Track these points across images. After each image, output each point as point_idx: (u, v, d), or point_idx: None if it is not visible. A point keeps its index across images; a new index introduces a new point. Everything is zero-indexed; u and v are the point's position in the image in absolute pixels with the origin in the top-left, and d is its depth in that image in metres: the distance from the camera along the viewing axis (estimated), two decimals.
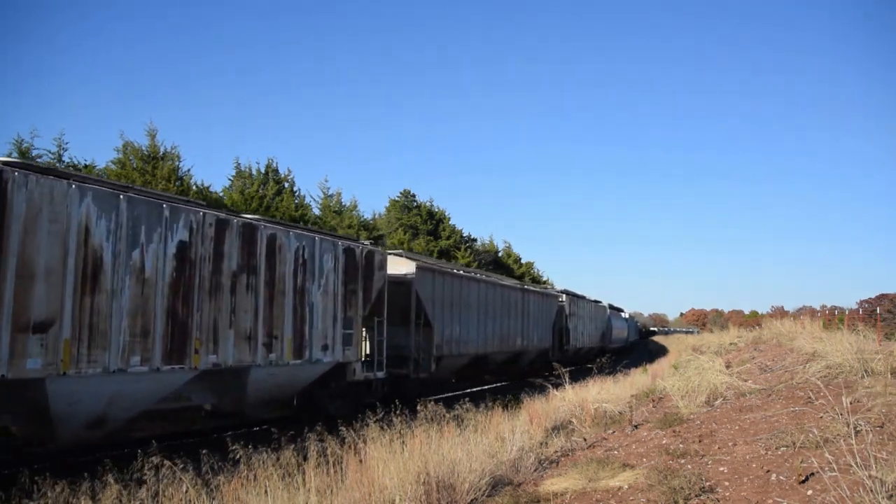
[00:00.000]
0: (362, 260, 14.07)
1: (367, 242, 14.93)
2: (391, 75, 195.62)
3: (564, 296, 31.75)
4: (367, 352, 15.56)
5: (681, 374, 14.09)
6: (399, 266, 16.78)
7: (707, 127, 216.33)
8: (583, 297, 36.72)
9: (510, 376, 25.51)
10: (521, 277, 42.25)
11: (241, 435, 9.52)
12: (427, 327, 17.18)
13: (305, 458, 6.53)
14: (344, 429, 7.81)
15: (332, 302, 12.99)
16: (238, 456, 6.38)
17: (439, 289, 18.10)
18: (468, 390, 20.33)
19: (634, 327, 68.63)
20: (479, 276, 23.31)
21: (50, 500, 5.45)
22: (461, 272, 21.08)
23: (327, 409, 13.41)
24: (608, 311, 44.14)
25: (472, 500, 6.12)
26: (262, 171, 28.54)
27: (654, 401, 13.23)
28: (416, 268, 16.82)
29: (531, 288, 28.75)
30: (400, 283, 16.40)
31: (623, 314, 57.85)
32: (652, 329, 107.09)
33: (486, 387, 21.70)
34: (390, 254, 17.03)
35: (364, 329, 14.79)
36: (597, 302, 41.09)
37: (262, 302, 11.19)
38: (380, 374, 14.76)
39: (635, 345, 63.20)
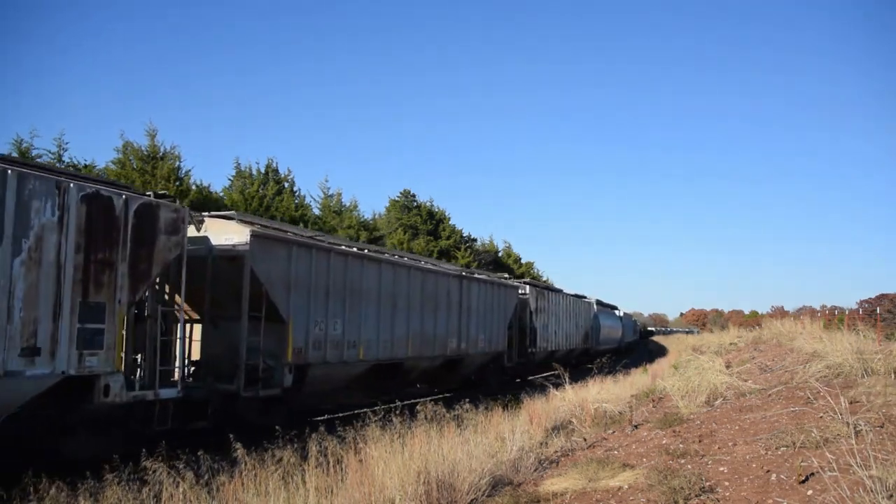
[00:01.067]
0: (127, 217, 9.24)
1: (149, 194, 10.07)
2: (391, 75, 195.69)
3: (528, 287, 26.27)
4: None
5: (681, 374, 14.09)
6: (228, 234, 12.02)
7: (707, 127, 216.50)
8: (558, 291, 31.74)
9: (446, 387, 20.54)
10: (521, 277, 41.83)
11: (242, 435, 9.50)
12: (279, 322, 12.22)
13: (305, 458, 6.54)
14: (344, 429, 7.81)
15: (49, 279, 8.22)
16: (238, 456, 6.39)
17: (300, 268, 12.72)
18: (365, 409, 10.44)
19: (632, 327, 62.90)
20: (388, 255, 17.27)
21: (51, 500, 5.45)
22: (351, 248, 15.57)
23: (58, 448, 9.05)
24: (594, 307, 38.79)
25: (472, 500, 6.13)
26: (262, 171, 28.56)
27: (654, 401, 13.23)
28: (252, 235, 11.74)
29: (477, 275, 21.81)
30: (232, 258, 11.79)
31: (617, 312, 50.67)
32: (650, 329, 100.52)
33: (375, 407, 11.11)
34: (213, 216, 12.43)
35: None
36: (579, 297, 35.72)
37: None
38: (167, 393, 9.91)
39: (633, 346, 57.71)
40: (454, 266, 23.86)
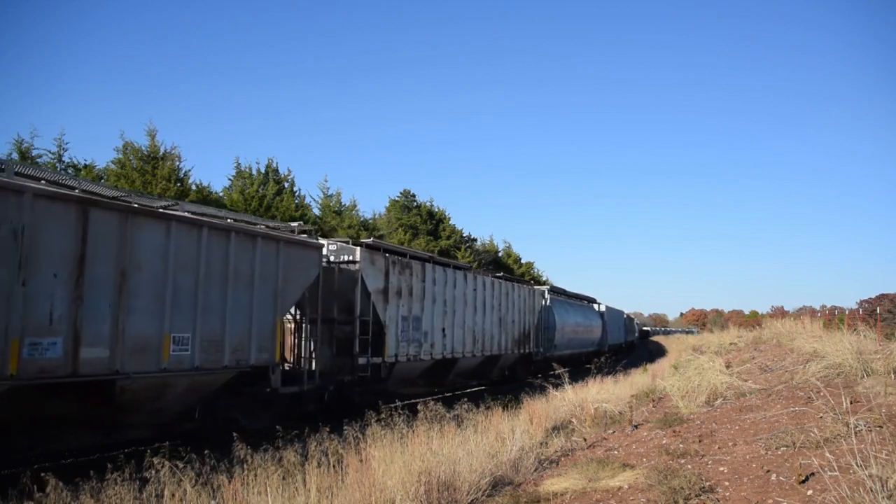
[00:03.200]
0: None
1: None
2: (391, 75, 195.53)
3: (379, 256, 15.99)
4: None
5: (681, 374, 14.08)
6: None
7: (707, 127, 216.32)
8: (460, 267, 20.71)
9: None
10: (521, 277, 41.51)
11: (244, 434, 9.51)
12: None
13: (306, 458, 6.54)
14: (346, 428, 7.82)
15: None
16: (240, 455, 6.39)
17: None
18: None
19: (622, 325, 53.15)
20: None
21: (51, 500, 5.45)
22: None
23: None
24: (546, 298, 28.76)
25: (472, 500, 6.13)
26: (262, 170, 28.55)
27: (654, 401, 13.23)
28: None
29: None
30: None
31: (597, 306, 42.16)
32: (645, 329, 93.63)
33: None
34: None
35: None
36: (519, 281, 26.57)
37: None
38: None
39: (621, 349, 49.57)
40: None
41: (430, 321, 18.06)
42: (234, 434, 6.96)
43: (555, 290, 32.29)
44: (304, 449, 6.89)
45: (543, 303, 28.47)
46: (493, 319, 22.22)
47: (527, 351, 25.55)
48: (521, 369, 25.76)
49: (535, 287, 28.41)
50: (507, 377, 25.17)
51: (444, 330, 18.87)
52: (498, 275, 24.89)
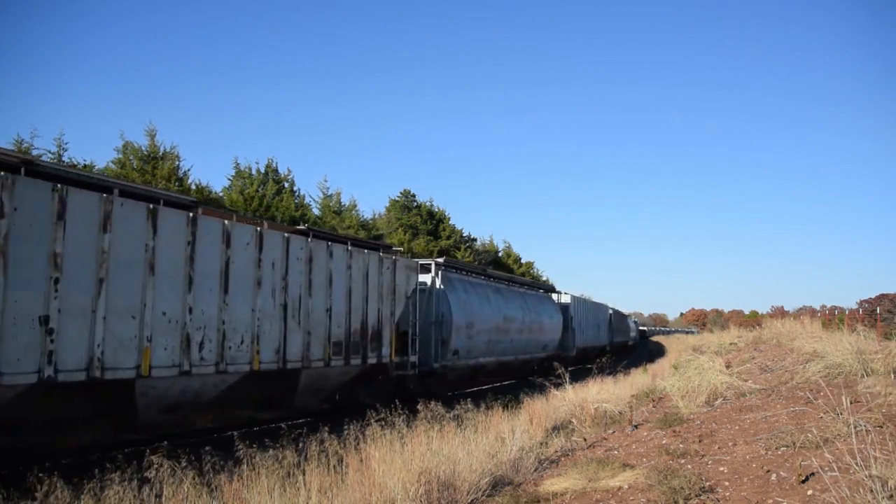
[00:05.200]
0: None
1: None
2: (391, 75, 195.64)
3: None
4: None
5: (681, 374, 14.09)
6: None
7: (708, 126, 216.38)
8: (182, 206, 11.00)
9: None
10: (521, 277, 41.14)
11: (244, 434, 9.53)
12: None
13: (306, 458, 6.54)
14: (346, 428, 7.82)
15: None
16: (241, 455, 6.39)
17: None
18: None
19: (604, 323, 41.74)
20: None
21: (54, 499, 5.45)
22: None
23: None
24: (434, 277, 18.45)
25: (472, 500, 6.13)
26: (262, 170, 28.56)
27: (654, 401, 13.23)
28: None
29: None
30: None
31: (560, 297, 32.30)
32: (642, 328, 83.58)
33: None
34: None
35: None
36: (361, 244, 15.69)
37: None
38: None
39: (607, 353, 34.67)
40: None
41: None
42: (235, 434, 6.97)
43: (453, 266, 20.80)
44: (305, 449, 6.89)
45: (425, 283, 17.97)
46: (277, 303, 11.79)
47: (374, 362, 14.57)
48: (364, 394, 14.87)
49: (404, 259, 16.90)
50: (327, 411, 14.18)
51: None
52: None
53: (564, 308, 31.33)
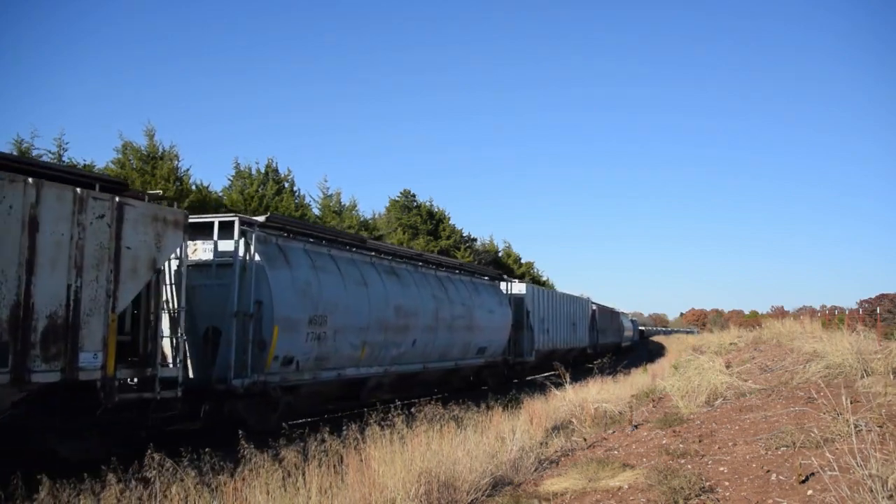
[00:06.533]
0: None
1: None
2: (391, 75, 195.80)
3: None
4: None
5: (681, 374, 14.09)
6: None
7: (707, 126, 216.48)
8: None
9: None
10: (521, 277, 41.04)
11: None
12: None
13: (306, 458, 6.55)
14: (346, 428, 7.82)
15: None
16: (241, 455, 6.40)
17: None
18: None
19: (582, 321, 34.64)
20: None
21: (53, 499, 5.45)
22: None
23: None
24: (249, 244, 11.88)
25: (472, 500, 6.13)
26: (262, 170, 28.55)
27: (654, 401, 13.24)
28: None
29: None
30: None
31: (509, 286, 25.39)
32: (641, 328, 77.89)
33: None
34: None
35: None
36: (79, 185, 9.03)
37: None
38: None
39: (590, 357, 32.29)
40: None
41: None
42: (240, 432, 7.01)
43: (288, 230, 13.67)
44: (305, 449, 6.90)
45: (226, 252, 12.04)
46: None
47: (53, 380, 8.25)
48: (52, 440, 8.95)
49: (153, 206, 9.94)
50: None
51: None
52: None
53: (518, 301, 24.89)
